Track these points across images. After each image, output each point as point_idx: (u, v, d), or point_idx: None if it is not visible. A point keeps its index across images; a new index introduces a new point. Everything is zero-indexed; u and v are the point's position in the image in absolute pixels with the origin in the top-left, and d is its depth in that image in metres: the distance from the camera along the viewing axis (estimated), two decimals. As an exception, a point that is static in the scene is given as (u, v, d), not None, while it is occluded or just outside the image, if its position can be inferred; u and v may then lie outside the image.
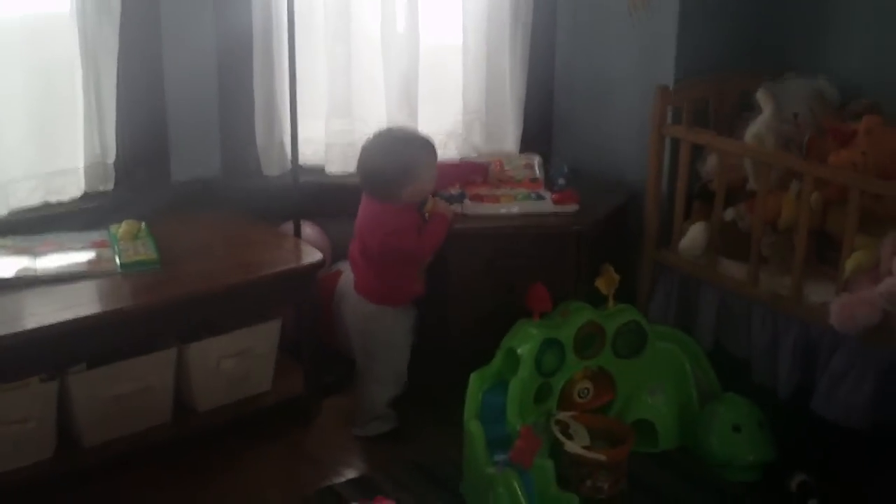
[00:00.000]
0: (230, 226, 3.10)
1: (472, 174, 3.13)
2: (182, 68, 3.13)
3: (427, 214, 2.86)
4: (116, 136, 3.05)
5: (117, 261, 2.77)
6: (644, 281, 3.11)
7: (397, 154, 2.79)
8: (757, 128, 2.89)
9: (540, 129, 3.52)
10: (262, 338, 2.93)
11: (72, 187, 3.02)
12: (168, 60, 3.10)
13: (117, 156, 3.07)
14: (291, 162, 3.09)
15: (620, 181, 3.30)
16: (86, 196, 3.05)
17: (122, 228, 2.90)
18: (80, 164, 3.01)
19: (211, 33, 3.16)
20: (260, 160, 3.31)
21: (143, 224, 2.94)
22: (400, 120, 3.32)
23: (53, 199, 2.99)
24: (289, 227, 3.14)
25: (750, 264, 2.83)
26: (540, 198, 3.02)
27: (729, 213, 2.91)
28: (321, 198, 3.28)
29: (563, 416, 2.73)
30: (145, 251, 2.82)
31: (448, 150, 3.44)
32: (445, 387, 2.91)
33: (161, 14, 3.05)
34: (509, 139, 3.46)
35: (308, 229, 3.28)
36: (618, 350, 2.83)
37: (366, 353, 2.93)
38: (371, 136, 2.87)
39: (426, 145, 2.86)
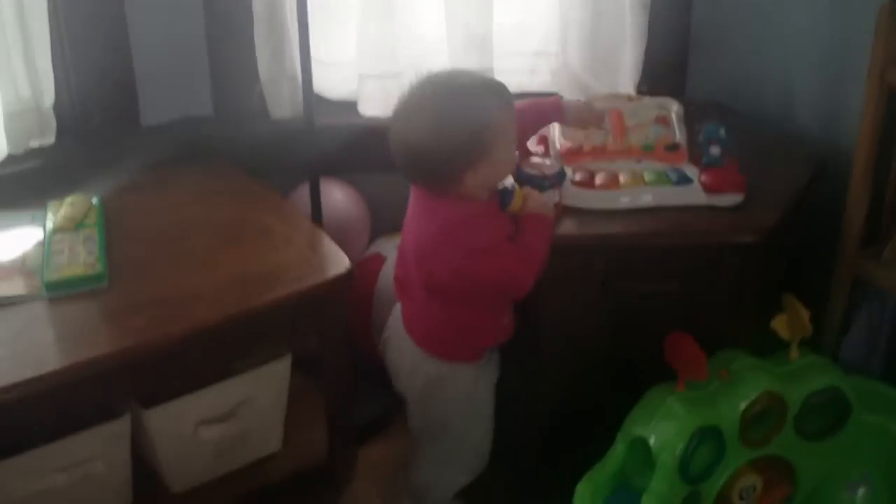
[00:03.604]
0: (220, 198, 2.18)
1: (542, 117, 2.01)
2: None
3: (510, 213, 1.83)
4: (54, 67, 2.18)
5: (41, 278, 1.84)
6: (836, 306, 2.06)
7: (456, 113, 1.72)
8: None
9: (671, 53, 2.40)
10: (265, 385, 2.01)
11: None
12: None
13: (58, 97, 2.21)
14: (304, 100, 2.17)
15: (796, 143, 2.22)
16: (11, 159, 2.18)
17: (63, 210, 2.04)
18: (-2, 112, 2.15)
19: None
20: (265, 96, 2.37)
21: (96, 199, 2.08)
22: (465, 23, 2.27)
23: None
24: (304, 192, 2.25)
25: None
26: (684, 180, 1.92)
27: None
28: (354, 145, 2.35)
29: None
30: (87, 257, 1.91)
31: (538, 77, 2.42)
32: (532, 460, 2.00)
33: None
34: (625, 64, 2.36)
35: (337, 193, 2.41)
36: (804, 429, 1.84)
37: (429, 426, 1.97)
38: (410, 87, 1.77)
39: (499, 94, 1.77)
